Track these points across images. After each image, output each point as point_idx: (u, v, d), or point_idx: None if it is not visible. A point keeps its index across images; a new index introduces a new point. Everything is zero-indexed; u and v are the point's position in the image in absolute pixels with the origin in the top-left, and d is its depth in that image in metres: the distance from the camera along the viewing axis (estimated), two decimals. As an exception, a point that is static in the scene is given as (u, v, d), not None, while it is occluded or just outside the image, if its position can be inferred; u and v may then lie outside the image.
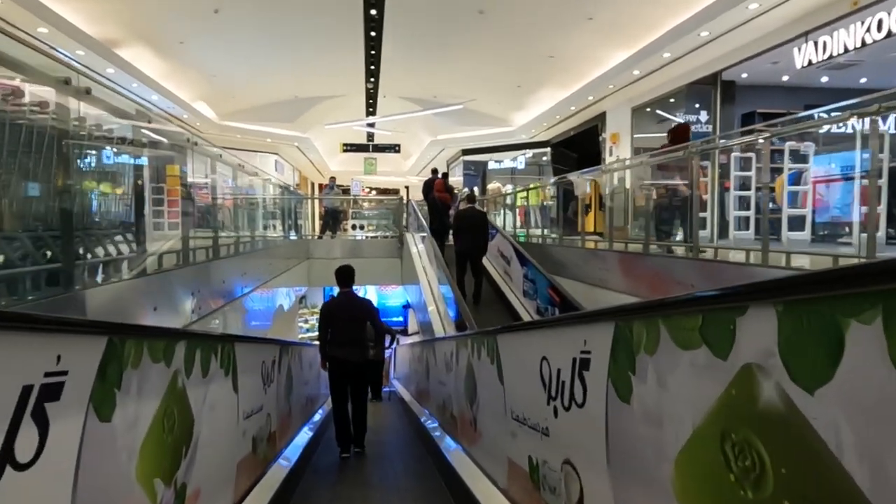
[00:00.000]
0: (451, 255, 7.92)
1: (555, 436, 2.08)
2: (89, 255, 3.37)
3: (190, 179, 5.11)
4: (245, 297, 5.18)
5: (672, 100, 11.01)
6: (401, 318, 20.56)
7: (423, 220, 10.05)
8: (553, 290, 6.61)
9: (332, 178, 14.33)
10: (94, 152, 3.66)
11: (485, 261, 8.31)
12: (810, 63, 7.61)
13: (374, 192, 22.08)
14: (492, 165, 19.09)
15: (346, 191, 19.42)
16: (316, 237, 12.91)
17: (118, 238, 3.82)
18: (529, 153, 17.98)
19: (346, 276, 4.89)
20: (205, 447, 2.20)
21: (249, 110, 16.01)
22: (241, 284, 5.98)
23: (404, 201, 12.67)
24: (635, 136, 12.01)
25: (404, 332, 17.80)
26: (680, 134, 6.02)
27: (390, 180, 23.89)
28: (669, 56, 9.52)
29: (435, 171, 11.10)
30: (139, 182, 4.28)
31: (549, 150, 16.72)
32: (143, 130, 4.26)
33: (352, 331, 4.72)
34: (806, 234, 5.25)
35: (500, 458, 2.82)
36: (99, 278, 3.37)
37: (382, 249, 11.80)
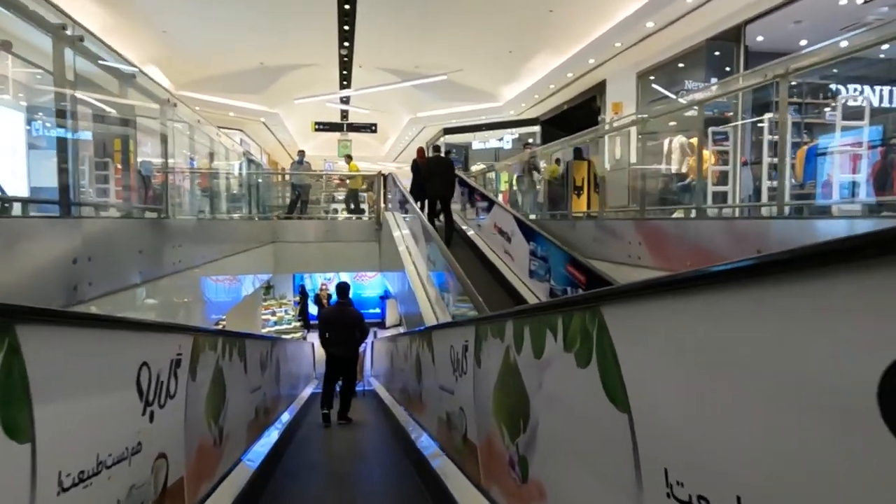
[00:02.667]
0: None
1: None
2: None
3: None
4: (178, 274, 5.10)
5: (681, 64, 11.11)
6: (378, 310, 21.61)
7: (407, 194, 10.66)
8: (575, 265, 6.28)
9: (301, 153, 14.59)
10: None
11: (477, 239, 10.20)
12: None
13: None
14: (476, 146, 20.04)
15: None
16: (282, 217, 12.78)
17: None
18: (517, 133, 18.77)
19: (343, 291, 7.57)
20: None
21: (209, 80, 16.08)
22: (173, 258, 5.26)
23: (383, 174, 12.93)
24: (642, 106, 11.97)
25: (381, 325, 19.61)
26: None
27: (365, 167, 24.73)
28: (692, 1, 9.34)
29: (421, 150, 12.22)
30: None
31: (538, 128, 17.63)
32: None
33: (344, 335, 7.28)
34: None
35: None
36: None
37: (359, 232, 12.25)
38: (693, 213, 6.35)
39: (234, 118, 18.81)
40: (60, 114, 3.42)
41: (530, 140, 16.65)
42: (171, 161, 5.61)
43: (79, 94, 3.57)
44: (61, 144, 3.32)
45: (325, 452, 5.96)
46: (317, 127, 20.10)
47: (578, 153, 9.37)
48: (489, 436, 2.88)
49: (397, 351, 7.79)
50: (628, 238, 6.55)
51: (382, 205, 12.34)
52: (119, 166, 4.92)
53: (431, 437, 4.67)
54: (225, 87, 16.71)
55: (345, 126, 20.63)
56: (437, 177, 10.13)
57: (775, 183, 5.50)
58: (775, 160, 5.49)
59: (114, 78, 4.47)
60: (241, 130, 19.86)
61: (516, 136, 18.79)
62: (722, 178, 6.49)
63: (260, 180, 12.17)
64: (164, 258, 4.84)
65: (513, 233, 8.41)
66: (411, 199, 10.15)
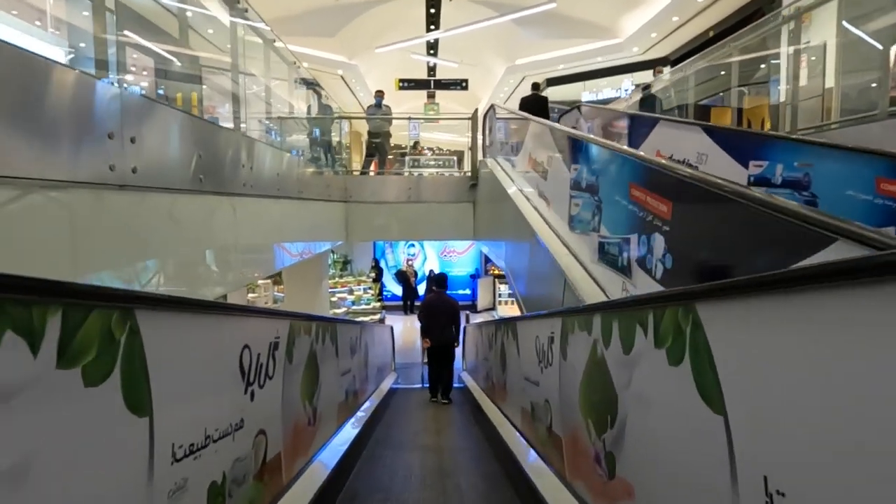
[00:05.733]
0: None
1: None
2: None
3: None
4: (247, 198, 5.11)
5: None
6: (468, 291, 19.73)
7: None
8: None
9: (380, 93, 11.88)
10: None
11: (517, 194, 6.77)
12: None
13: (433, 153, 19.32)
14: (586, 97, 16.33)
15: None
16: (357, 173, 11.53)
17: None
18: (638, 79, 14.52)
19: (440, 282, 8.28)
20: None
21: (282, 20, 12.86)
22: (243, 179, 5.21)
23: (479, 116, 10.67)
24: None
25: (473, 309, 17.67)
26: None
27: (452, 139, 22.68)
28: None
29: (536, 86, 10.88)
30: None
31: (667, 71, 11.88)
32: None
33: (443, 322, 7.84)
34: None
35: None
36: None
37: (449, 191, 10.61)
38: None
39: (308, 71, 16.96)
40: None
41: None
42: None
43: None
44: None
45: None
46: (401, 84, 17.34)
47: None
48: (574, 429, 2.80)
49: (482, 338, 7.75)
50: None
51: (480, 153, 10.22)
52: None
53: (515, 426, 4.66)
54: (293, 29, 13.33)
55: (432, 83, 17.97)
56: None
57: None
58: None
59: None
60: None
61: (636, 85, 14.23)
62: None
63: (334, 133, 10.74)
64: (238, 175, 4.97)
65: (550, 159, 5.63)
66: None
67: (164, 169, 3.68)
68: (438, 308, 7.88)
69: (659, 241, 2.79)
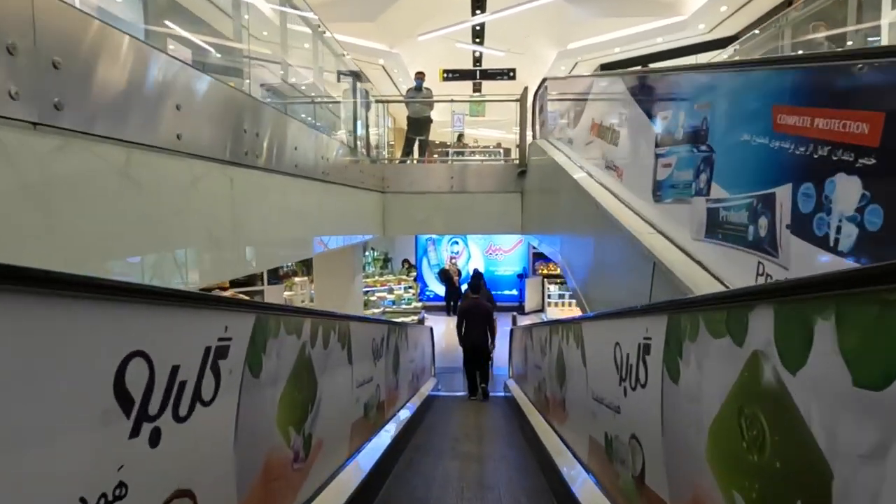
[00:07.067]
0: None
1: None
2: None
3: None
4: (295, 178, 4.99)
5: None
6: (515, 292, 18.40)
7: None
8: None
9: (420, 75, 10.89)
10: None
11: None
12: None
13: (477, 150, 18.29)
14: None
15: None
16: (397, 161, 10.73)
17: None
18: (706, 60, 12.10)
19: (475, 287, 8.68)
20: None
21: (315, 5, 12.12)
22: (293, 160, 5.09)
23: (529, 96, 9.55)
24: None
25: (521, 310, 16.33)
26: None
27: (499, 136, 20.26)
28: None
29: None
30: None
31: (733, 51, 10.01)
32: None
33: (479, 326, 8.25)
34: None
35: None
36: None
37: (496, 180, 9.71)
38: None
39: (352, 62, 16.42)
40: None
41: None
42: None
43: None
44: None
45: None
46: (445, 76, 15.94)
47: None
48: (699, 498, 1.70)
49: (532, 343, 6.63)
50: None
51: (529, 136, 9.18)
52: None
53: (578, 459, 3.54)
54: (332, 15, 12.05)
55: (477, 73, 16.59)
56: None
57: None
58: None
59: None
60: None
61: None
62: None
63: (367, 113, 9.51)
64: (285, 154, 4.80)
65: (622, 118, 4.32)
66: None
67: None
68: (472, 314, 8.36)
69: (847, 189, 1.64)
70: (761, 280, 2.11)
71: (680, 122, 2.97)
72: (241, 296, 8.29)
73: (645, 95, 3.69)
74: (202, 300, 1.68)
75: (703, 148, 2.65)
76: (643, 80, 3.78)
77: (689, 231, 2.81)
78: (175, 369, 1.50)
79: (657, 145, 3.27)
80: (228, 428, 1.86)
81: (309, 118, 6.80)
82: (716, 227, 2.51)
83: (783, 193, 1.98)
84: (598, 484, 3.00)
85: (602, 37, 14.68)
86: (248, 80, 4.85)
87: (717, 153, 2.54)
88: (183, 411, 1.55)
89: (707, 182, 2.60)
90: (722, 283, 2.43)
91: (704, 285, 2.41)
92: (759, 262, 2.13)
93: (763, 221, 2.10)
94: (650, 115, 3.47)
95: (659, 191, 3.25)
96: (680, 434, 1.84)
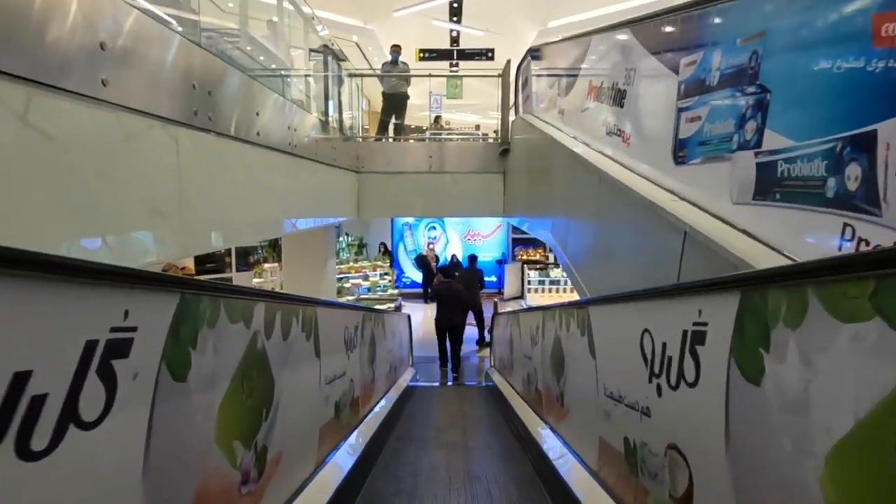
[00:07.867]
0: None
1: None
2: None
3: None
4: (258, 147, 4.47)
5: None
6: (494, 279, 17.77)
7: None
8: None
9: (396, 48, 10.30)
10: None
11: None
12: None
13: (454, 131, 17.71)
14: None
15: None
16: (372, 139, 10.15)
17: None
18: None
19: (445, 271, 9.98)
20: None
21: None
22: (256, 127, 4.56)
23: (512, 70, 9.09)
24: None
25: (500, 297, 15.84)
26: None
27: (476, 119, 19.74)
28: None
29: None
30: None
31: None
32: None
33: (453, 305, 9.18)
34: None
35: None
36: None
37: (477, 159, 9.27)
38: None
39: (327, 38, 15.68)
40: None
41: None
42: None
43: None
44: None
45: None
46: (422, 55, 15.30)
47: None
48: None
49: (519, 331, 6.13)
50: None
51: (511, 112, 8.74)
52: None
53: (584, 463, 3.05)
54: None
55: (454, 53, 16.26)
56: None
57: None
58: None
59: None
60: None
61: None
62: None
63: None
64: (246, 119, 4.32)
65: (629, 74, 3.67)
66: None
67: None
68: (444, 295, 9.20)
69: None
70: (849, 247, 1.62)
71: (714, 65, 2.45)
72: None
73: (663, 41, 3.16)
74: (77, 270, 1.09)
75: (752, 89, 2.14)
76: (661, 24, 3.23)
77: (727, 195, 2.30)
78: (20, 379, 0.94)
79: (680, 97, 2.76)
80: (133, 454, 1.30)
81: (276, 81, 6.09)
82: (771, 186, 2.00)
83: (889, 130, 1.48)
84: (607, 490, 2.51)
85: (585, 14, 13.82)
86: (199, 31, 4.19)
87: (774, 93, 2.03)
88: (40, 443, 0.99)
89: (757, 131, 2.09)
90: (781, 252, 1.93)
91: (761, 258, 1.91)
92: (846, 225, 1.63)
93: (854, 170, 1.60)
94: (670, 64, 2.95)
95: (683, 150, 2.74)
96: (765, 454, 1.33)
